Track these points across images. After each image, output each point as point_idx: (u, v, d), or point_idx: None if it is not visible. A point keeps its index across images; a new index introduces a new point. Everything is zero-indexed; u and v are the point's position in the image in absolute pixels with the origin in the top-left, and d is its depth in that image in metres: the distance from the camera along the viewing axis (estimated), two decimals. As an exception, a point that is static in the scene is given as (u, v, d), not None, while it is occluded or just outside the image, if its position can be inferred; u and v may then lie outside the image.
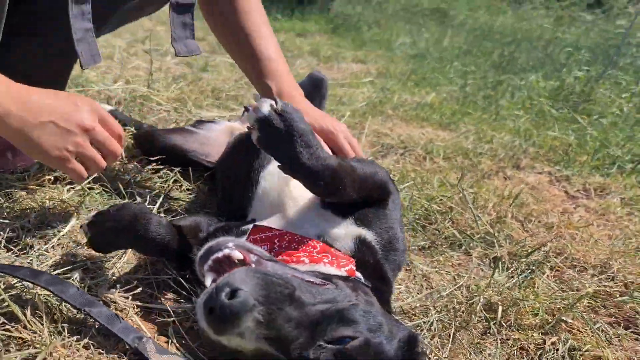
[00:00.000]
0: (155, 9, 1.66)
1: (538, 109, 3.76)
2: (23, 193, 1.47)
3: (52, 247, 1.30)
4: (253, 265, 0.98)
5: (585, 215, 2.13)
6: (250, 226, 1.25)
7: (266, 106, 1.10)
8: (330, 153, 1.18)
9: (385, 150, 2.59)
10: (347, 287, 1.05)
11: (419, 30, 8.28)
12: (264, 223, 1.26)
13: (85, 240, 1.24)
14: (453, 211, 1.90)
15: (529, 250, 1.68)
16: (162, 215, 1.58)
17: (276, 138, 1.09)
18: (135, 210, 1.21)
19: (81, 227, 1.22)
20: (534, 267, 1.63)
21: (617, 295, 1.52)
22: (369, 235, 1.21)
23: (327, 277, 1.06)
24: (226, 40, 1.74)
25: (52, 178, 1.59)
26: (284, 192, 1.30)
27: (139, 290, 1.20)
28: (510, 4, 12.69)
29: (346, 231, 1.22)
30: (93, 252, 1.29)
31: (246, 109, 1.12)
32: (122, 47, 3.78)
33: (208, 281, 0.97)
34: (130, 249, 1.34)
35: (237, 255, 0.98)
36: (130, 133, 2.06)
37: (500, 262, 1.64)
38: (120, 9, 1.49)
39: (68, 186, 1.57)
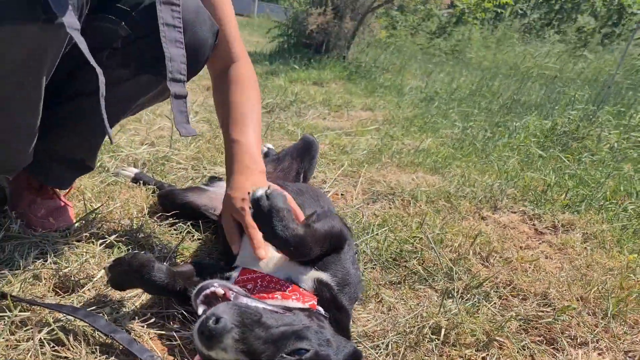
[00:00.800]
0: (162, 100, 2.06)
1: (527, 151, 4.07)
2: (66, 247, 1.87)
3: (88, 289, 1.69)
4: (232, 299, 1.35)
5: (546, 250, 2.43)
6: (234, 272, 1.63)
7: (260, 191, 1.49)
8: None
9: (375, 197, 2.94)
10: (304, 315, 1.41)
11: (433, 73, 8.67)
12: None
13: (106, 282, 1.63)
14: (422, 251, 2.23)
15: (480, 282, 1.99)
16: (175, 260, 1.96)
17: (263, 214, 1.47)
18: (143, 258, 1.59)
19: (104, 269, 1.61)
20: (482, 297, 1.94)
21: (547, 318, 1.82)
22: (325, 276, 1.57)
23: (289, 309, 1.42)
24: (217, 109, 2.06)
25: (88, 234, 1.99)
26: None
27: (152, 320, 1.57)
28: (521, 38, 13.06)
29: (307, 275, 1.58)
30: (118, 293, 1.68)
31: (248, 193, 1.51)
32: (150, 108, 4.25)
33: (200, 311, 1.35)
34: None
35: (220, 291, 1.37)
36: (152, 192, 2.47)
37: (454, 292, 1.96)
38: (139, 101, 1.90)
39: (101, 240, 1.96)
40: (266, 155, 2.89)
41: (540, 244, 2.53)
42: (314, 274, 1.58)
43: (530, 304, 1.94)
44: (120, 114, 1.93)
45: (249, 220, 1.63)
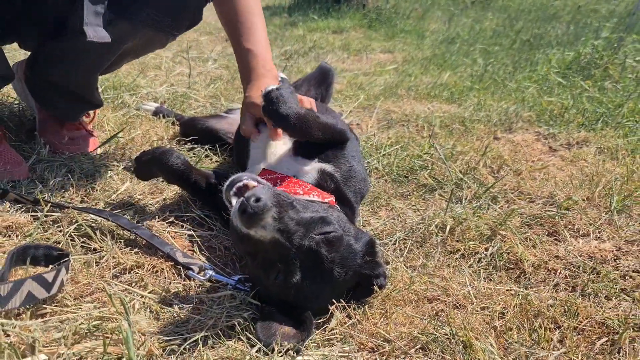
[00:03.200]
0: (157, 47, 2.11)
1: (546, 79, 4.04)
2: (92, 167, 1.99)
3: (113, 199, 1.81)
4: None
5: (558, 163, 2.46)
6: (249, 168, 1.73)
7: (270, 86, 1.58)
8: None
9: (389, 123, 2.99)
10: (326, 206, 1.49)
11: (456, 17, 8.51)
12: (256, 167, 1.73)
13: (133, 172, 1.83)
14: (433, 164, 2.29)
15: (487, 188, 2.05)
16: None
17: (271, 103, 1.56)
18: (164, 148, 1.72)
19: (131, 161, 1.74)
20: (489, 200, 2.00)
21: (551, 214, 1.88)
22: (328, 167, 1.65)
23: (312, 202, 1.50)
24: (224, 24, 2.11)
25: (112, 157, 2.11)
26: (267, 149, 1.76)
27: (171, 220, 1.70)
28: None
29: (312, 167, 1.66)
30: (140, 202, 1.80)
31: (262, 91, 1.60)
32: (169, 57, 4.35)
33: (234, 201, 1.39)
34: (168, 190, 1.85)
35: (252, 183, 1.42)
36: (171, 123, 2.58)
37: (462, 198, 2.02)
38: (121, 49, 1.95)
39: (123, 162, 2.08)
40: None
41: (552, 157, 2.55)
42: (318, 165, 1.66)
43: (535, 204, 1.99)
44: (105, 60, 2.00)
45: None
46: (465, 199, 2.04)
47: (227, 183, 1.43)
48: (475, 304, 1.44)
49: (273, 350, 1.22)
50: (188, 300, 1.39)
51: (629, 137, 2.78)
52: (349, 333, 1.32)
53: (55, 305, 1.26)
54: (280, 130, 1.68)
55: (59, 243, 1.49)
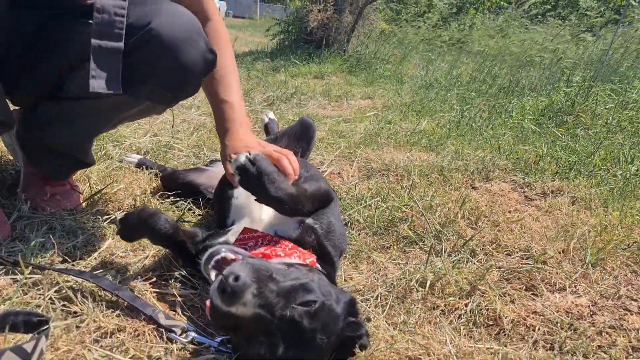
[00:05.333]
0: (154, 114, 2.16)
1: (521, 127, 4.15)
2: (73, 224, 2.00)
3: (94, 258, 1.81)
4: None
5: (533, 213, 2.52)
6: (232, 228, 1.75)
7: (242, 157, 1.60)
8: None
9: (369, 172, 3.04)
10: (306, 270, 1.51)
11: (434, 62, 8.73)
12: (241, 223, 1.75)
13: (117, 233, 1.79)
14: (413, 217, 2.33)
15: (466, 240, 2.09)
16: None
17: (251, 179, 1.58)
18: (150, 210, 1.73)
19: (115, 222, 1.74)
20: (467, 254, 2.04)
21: (527, 269, 1.92)
22: (309, 221, 1.68)
23: (292, 265, 1.52)
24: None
25: (94, 212, 2.12)
26: (250, 204, 1.78)
27: (154, 280, 1.70)
28: (522, 25, 13.08)
29: (294, 220, 1.69)
30: (123, 261, 1.80)
31: (229, 160, 1.62)
32: (153, 104, 4.38)
33: (213, 275, 1.41)
34: (150, 248, 1.85)
35: (230, 256, 1.44)
36: (154, 175, 2.60)
37: (442, 251, 2.06)
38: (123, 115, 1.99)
39: (105, 216, 2.09)
40: (266, 128, 3.02)
41: (528, 207, 2.62)
42: (300, 219, 1.69)
43: (513, 257, 2.03)
44: (102, 126, 2.04)
45: None
46: (445, 252, 2.07)
47: (205, 256, 1.46)
48: (456, 364, 1.46)
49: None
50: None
51: (601, 186, 2.86)
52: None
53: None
54: None
55: (39, 307, 1.49)
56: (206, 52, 1.71)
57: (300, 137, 2.71)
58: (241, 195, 1.82)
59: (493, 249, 2.10)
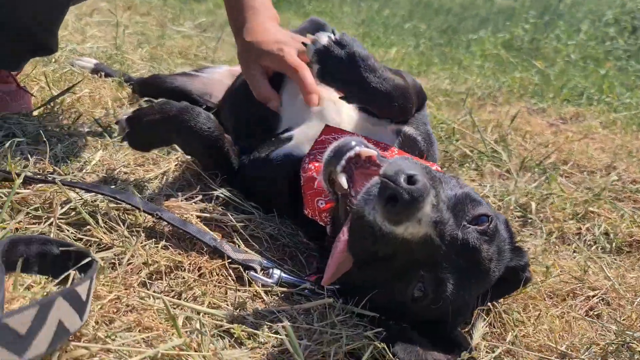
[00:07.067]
0: None
1: (496, 59, 3.90)
2: (41, 130, 1.39)
3: (87, 173, 1.24)
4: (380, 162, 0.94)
5: (572, 136, 2.24)
6: (293, 132, 1.25)
7: (324, 37, 1.09)
8: None
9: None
10: (449, 177, 1.05)
11: (359, 5, 8.35)
12: (302, 128, 1.26)
13: (122, 139, 1.24)
14: (456, 134, 1.95)
15: (541, 160, 1.75)
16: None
17: (338, 67, 1.09)
18: (181, 104, 1.19)
19: (118, 122, 1.20)
20: (547, 174, 1.70)
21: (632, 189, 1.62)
22: (409, 129, 1.23)
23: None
24: None
25: (60, 119, 1.52)
26: (311, 111, 1.27)
27: (185, 201, 1.16)
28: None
29: (389, 128, 1.22)
30: (132, 177, 1.25)
31: (304, 44, 1.12)
32: (73, 20, 3.60)
33: (343, 181, 0.91)
34: (165, 160, 1.31)
35: (369, 151, 0.92)
36: (125, 81, 1.99)
37: (515, 172, 1.70)
38: None
39: (80, 124, 1.51)
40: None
41: (564, 130, 2.33)
42: (395, 126, 1.23)
43: (599, 177, 1.72)
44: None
45: (293, 60, 1.24)
46: (516, 172, 1.71)
47: (328, 153, 0.94)
48: (629, 297, 1.11)
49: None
50: (268, 315, 0.91)
51: (617, 112, 2.66)
52: (508, 349, 0.93)
53: (74, 341, 0.73)
54: (316, 95, 1.23)
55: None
56: None
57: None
58: (293, 99, 1.32)
59: (569, 168, 1.77)
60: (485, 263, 0.91)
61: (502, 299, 1.07)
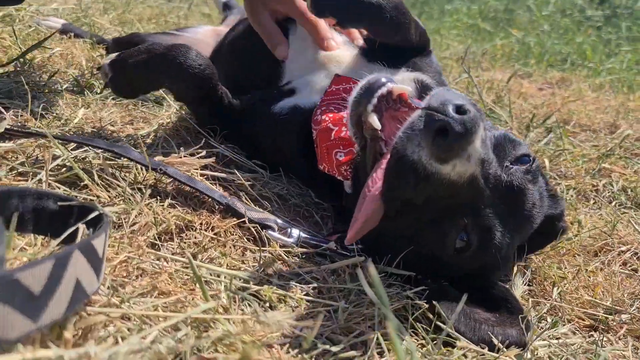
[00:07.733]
0: None
1: (472, 29, 3.84)
2: (12, 84, 1.24)
3: (71, 129, 1.11)
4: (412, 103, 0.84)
5: (568, 97, 2.19)
6: (296, 85, 1.15)
7: None
8: None
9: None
10: None
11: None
12: (306, 79, 1.16)
13: (105, 85, 1.13)
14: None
15: (544, 119, 1.69)
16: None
17: None
18: (167, 44, 1.08)
19: (99, 68, 1.10)
20: (552, 133, 1.64)
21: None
22: (425, 78, 1.13)
23: None
24: None
25: (31, 75, 1.37)
26: (313, 59, 1.18)
27: (187, 158, 1.04)
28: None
29: (402, 77, 1.12)
30: (122, 134, 1.13)
31: None
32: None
33: (375, 120, 0.80)
34: (157, 118, 1.18)
35: (402, 88, 0.81)
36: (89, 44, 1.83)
37: (517, 131, 1.64)
38: None
39: (53, 80, 1.36)
40: (225, 5, 2.30)
41: (552, 94, 2.28)
42: (410, 74, 1.12)
43: (604, 135, 1.67)
44: None
45: (304, 4, 1.14)
46: (518, 131, 1.65)
47: (358, 90, 0.83)
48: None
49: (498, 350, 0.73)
50: (293, 277, 0.81)
51: (602, 77, 2.63)
52: (552, 305, 0.86)
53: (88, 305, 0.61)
54: (332, 41, 1.15)
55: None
56: None
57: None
58: (300, 41, 1.21)
59: (571, 127, 1.72)
60: (529, 207, 0.83)
61: (534, 255, 1.00)
